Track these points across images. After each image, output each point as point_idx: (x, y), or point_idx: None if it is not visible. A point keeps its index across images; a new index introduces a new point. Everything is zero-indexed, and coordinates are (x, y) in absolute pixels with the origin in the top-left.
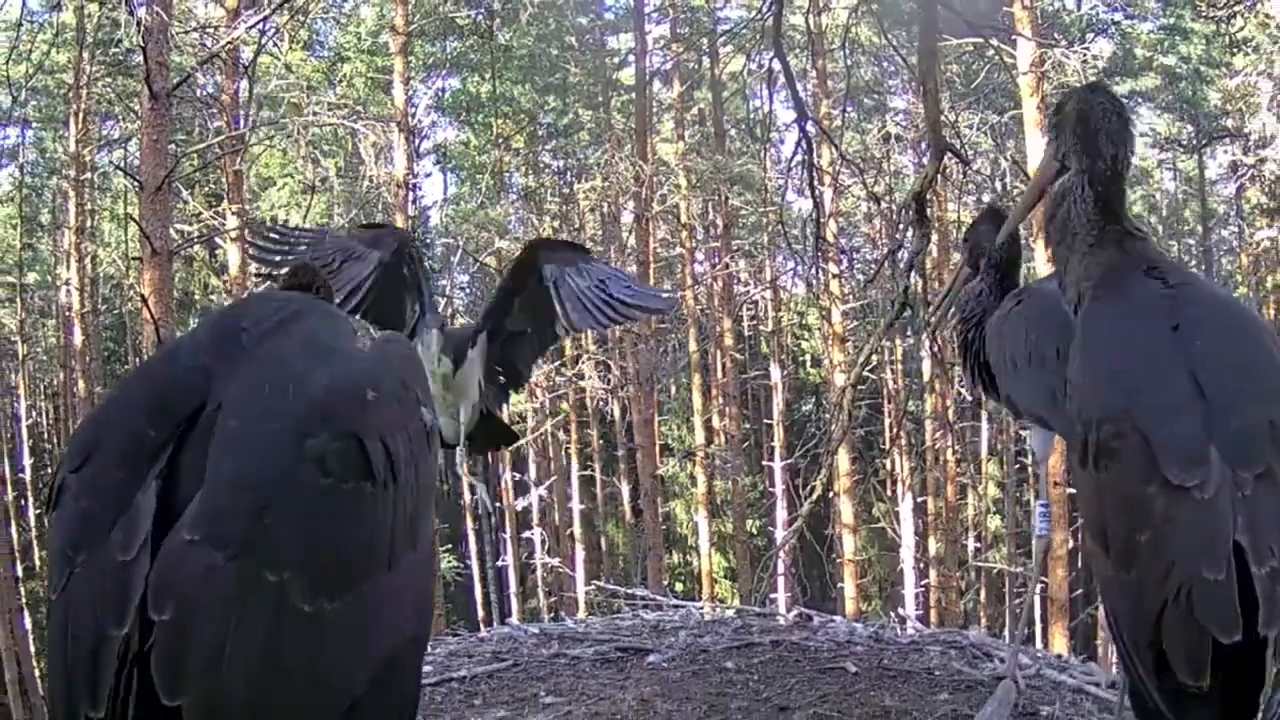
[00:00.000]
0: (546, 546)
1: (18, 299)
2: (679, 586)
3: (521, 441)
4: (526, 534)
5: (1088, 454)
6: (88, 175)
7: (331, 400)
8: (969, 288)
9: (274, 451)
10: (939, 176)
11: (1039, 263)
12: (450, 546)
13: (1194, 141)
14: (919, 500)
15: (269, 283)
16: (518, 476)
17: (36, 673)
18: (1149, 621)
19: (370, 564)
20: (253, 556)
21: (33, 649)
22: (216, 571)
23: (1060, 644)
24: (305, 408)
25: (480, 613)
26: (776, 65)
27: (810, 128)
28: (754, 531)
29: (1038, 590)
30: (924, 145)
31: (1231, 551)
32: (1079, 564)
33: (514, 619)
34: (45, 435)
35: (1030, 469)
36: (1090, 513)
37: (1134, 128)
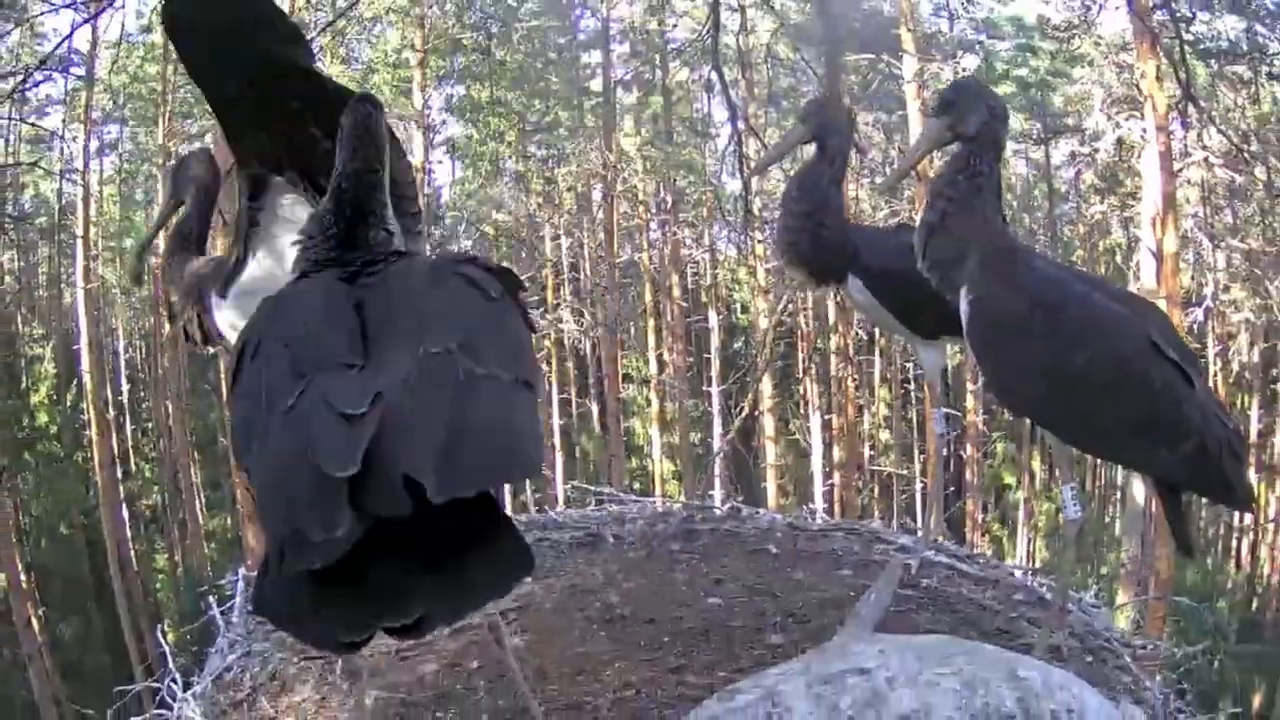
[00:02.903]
0: None
1: (117, 259)
2: (636, 486)
3: None
4: None
5: None
6: (172, 162)
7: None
8: (812, 173)
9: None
10: None
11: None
12: None
13: (1041, 136)
14: (825, 417)
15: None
16: None
17: (133, 553)
18: None
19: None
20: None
21: (129, 533)
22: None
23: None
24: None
25: None
26: (714, 75)
27: (740, 124)
28: (696, 442)
29: (919, 487)
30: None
31: None
32: (951, 467)
33: (507, 511)
34: (139, 367)
35: (914, 391)
36: None
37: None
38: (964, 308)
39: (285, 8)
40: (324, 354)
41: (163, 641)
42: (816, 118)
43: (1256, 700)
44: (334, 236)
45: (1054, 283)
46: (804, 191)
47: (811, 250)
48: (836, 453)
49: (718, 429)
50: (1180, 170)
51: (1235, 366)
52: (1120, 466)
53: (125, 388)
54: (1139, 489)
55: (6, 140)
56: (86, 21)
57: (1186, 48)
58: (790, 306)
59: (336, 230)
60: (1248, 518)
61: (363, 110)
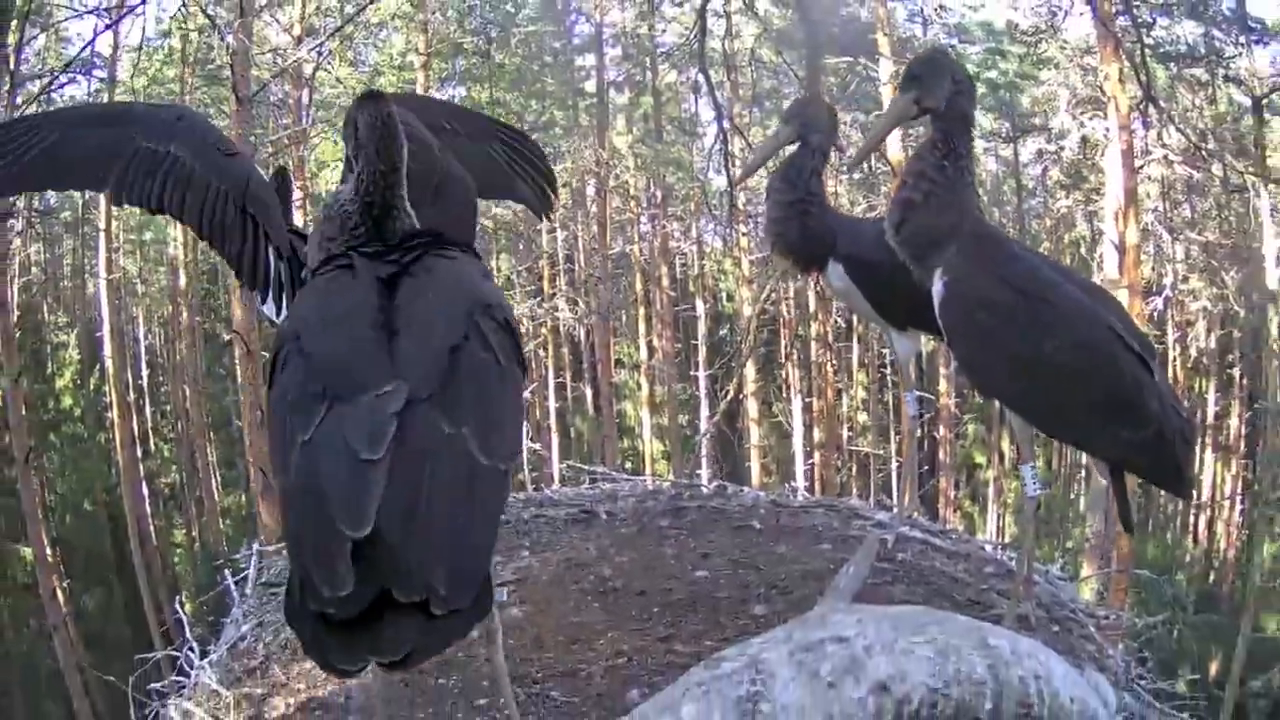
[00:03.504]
0: (530, 435)
1: (137, 251)
2: (628, 465)
3: None
4: None
5: None
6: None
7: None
8: (795, 164)
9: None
10: None
11: None
12: None
13: (1010, 134)
14: (806, 400)
15: None
16: None
17: (152, 528)
18: None
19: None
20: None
21: (149, 510)
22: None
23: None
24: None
25: None
26: (701, 77)
27: (725, 124)
28: (684, 424)
29: (895, 466)
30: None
31: None
32: (925, 447)
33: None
34: (158, 352)
35: (890, 375)
36: None
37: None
38: (938, 288)
39: (296, 15)
40: (345, 368)
41: (180, 612)
42: (799, 118)
43: (1213, 668)
44: (360, 236)
45: (1030, 271)
46: (788, 182)
47: (799, 238)
48: (817, 434)
49: (705, 411)
50: (1141, 167)
51: (1193, 352)
52: (1081, 451)
53: (145, 373)
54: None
55: None
56: (109, 27)
57: (1147, 51)
58: (773, 295)
59: (364, 229)
60: (1204, 495)
61: (380, 110)
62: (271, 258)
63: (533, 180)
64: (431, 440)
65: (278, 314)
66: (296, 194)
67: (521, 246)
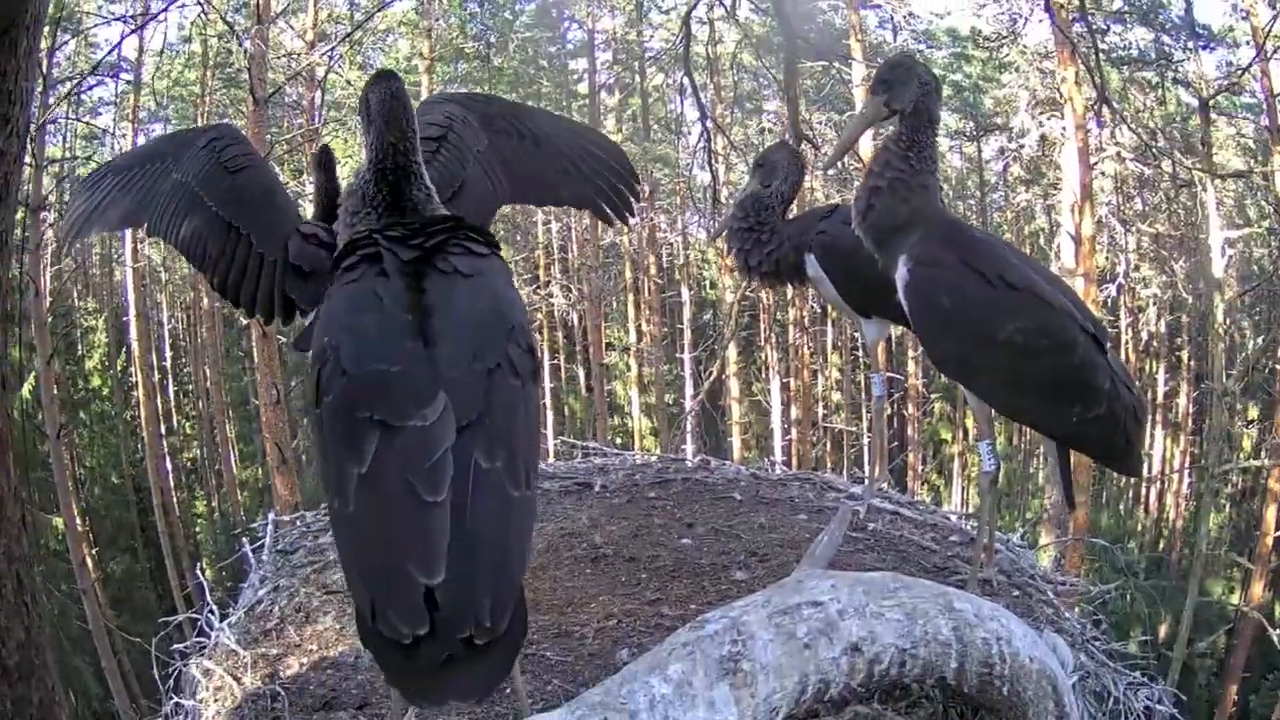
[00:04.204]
0: None
1: (161, 241)
2: (618, 441)
3: None
4: None
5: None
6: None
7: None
8: (751, 195)
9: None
10: None
11: None
12: None
13: (974, 133)
14: (784, 380)
15: None
16: None
17: (175, 500)
18: None
19: (533, 457)
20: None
21: (171, 483)
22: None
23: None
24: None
25: None
26: (686, 80)
27: (709, 123)
28: (670, 402)
29: (867, 442)
30: (788, 136)
31: None
32: (894, 424)
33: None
34: (181, 336)
35: (862, 358)
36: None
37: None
38: (901, 273)
39: (309, 21)
40: (388, 389)
41: (201, 577)
42: (762, 169)
43: (1162, 630)
44: (379, 205)
45: (990, 256)
46: (742, 210)
47: (756, 262)
48: (794, 411)
49: (689, 390)
50: (1096, 163)
51: (1144, 336)
52: (1035, 430)
53: (168, 355)
54: None
55: (64, 137)
56: (134, 32)
57: (1101, 56)
58: (753, 283)
59: (380, 198)
60: (1154, 469)
61: (389, 86)
62: (253, 265)
63: (609, 184)
64: (475, 478)
65: (285, 322)
66: (309, 188)
67: (518, 237)
